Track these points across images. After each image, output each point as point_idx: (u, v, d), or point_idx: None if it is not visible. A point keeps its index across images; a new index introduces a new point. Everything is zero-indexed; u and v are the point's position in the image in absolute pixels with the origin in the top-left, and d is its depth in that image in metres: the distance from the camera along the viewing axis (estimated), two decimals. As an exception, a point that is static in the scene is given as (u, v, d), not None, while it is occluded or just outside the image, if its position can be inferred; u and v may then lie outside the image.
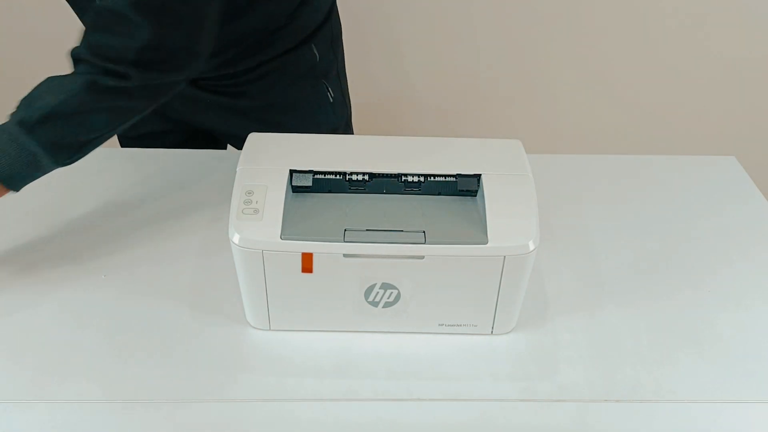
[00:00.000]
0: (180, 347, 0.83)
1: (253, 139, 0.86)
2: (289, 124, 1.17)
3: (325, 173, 0.80)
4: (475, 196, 0.80)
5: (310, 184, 0.80)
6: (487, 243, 0.75)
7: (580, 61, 1.99)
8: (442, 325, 0.84)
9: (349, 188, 0.80)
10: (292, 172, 0.80)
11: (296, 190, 0.80)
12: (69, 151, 0.86)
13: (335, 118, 1.24)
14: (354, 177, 0.80)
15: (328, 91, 1.21)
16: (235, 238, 0.75)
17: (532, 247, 0.75)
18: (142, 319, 0.87)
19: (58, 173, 1.09)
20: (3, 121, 0.84)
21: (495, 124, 2.08)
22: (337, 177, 0.80)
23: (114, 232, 0.99)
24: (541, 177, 0.85)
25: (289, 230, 0.75)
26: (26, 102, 0.84)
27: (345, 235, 0.75)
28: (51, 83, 0.84)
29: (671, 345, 0.85)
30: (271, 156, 0.82)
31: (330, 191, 0.80)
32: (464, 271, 0.77)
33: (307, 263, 0.76)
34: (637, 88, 2.05)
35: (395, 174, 0.80)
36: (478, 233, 0.75)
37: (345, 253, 0.75)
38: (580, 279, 0.94)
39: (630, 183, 1.11)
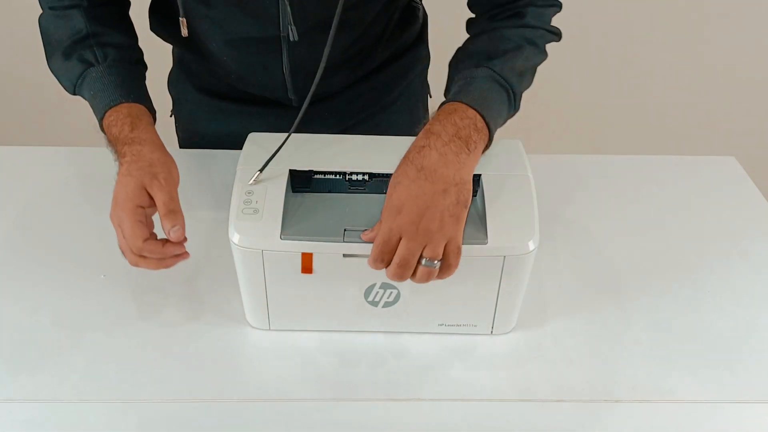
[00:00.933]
0: (180, 347, 0.83)
1: (253, 139, 0.86)
2: (395, 126, 1.16)
3: (324, 173, 0.80)
4: (475, 196, 0.80)
5: (310, 184, 0.80)
6: (487, 243, 0.75)
7: (580, 62, 1.99)
8: (442, 325, 0.84)
9: (349, 188, 0.80)
10: (291, 172, 0.80)
11: (296, 190, 0.80)
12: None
13: (429, 117, 1.25)
14: (354, 177, 0.80)
15: (428, 88, 1.23)
16: (235, 238, 0.75)
17: (532, 247, 0.75)
18: (142, 319, 0.87)
19: (57, 173, 1.10)
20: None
21: (495, 124, 2.08)
22: (337, 177, 0.80)
23: (114, 232, 0.99)
24: (541, 177, 0.85)
25: (288, 230, 0.75)
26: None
27: (345, 235, 0.75)
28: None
29: (671, 345, 0.85)
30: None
31: (330, 191, 0.80)
32: (464, 271, 0.77)
33: (307, 263, 0.76)
34: (637, 88, 2.05)
35: (395, 174, 0.80)
36: (478, 233, 0.75)
37: (345, 253, 0.75)
38: (580, 279, 0.94)
39: (630, 183, 1.11)
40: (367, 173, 0.80)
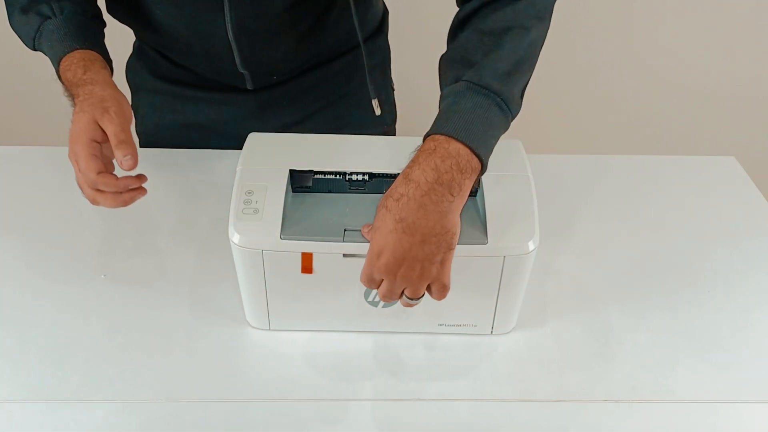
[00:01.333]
0: (180, 347, 0.83)
1: (253, 139, 0.86)
2: (358, 119, 1.16)
3: (325, 173, 0.80)
4: (475, 196, 0.80)
5: (310, 184, 0.80)
6: (486, 243, 0.75)
7: (580, 62, 1.99)
8: (442, 325, 0.84)
9: (349, 188, 0.80)
10: (292, 172, 0.80)
11: (296, 190, 0.80)
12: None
13: (394, 111, 1.24)
14: (354, 177, 0.80)
15: (392, 82, 1.22)
16: (235, 238, 0.75)
17: (531, 247, 0.75)
18: (142, 319, 0.87)
19: (57, 173, 1.10)
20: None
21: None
22: (337, 177, 0.80)
23: (114, 232, 1.00)
24: (541, 177, 0.85)
25: (289, 230, 0.75)
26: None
27: (345, 235, 0.75)
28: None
29: (671, 345, 0.85)
30: (271, 156, 0.82)
31: (330, 191, 0.80)
32: (464, 271, 0.77)
33: (307, 263, 0.76)
34: (637, 88, 2.05)
35: (395, 174, 0.80)
36: (478, 233, 0.75)
37: (345, 253, 0.75)
38: (580, 279, 0.93)
39: (630, 183, 1.11)
40: (367, 173, 0.80)
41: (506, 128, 0.75)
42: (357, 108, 1.15)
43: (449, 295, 0.78)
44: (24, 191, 1.07)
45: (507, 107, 0.73)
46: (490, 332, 0.85)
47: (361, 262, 0.76)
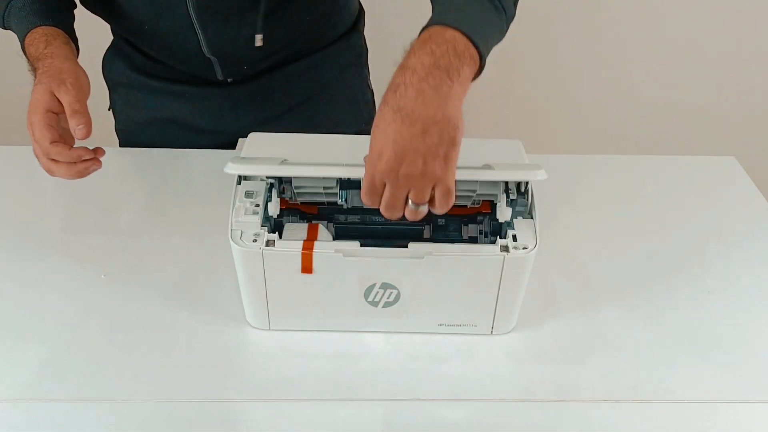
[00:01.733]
0: (180, 347, 0.83)
1: (253, 138, 0.86)
2: (333, 117, 1.16)
3: None
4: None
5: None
6: (492, 168, 0.74)
7: (580, 62, 1.99)
8: (442, 325, 0.84)
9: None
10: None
11: (296, 190, 0.80)
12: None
13: (372, 109, 1.24)
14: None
15: (369, 81, 1.21)
16: (229, 167, 0.75)
17: (541, 176, 0.75)
18: (142, 319, 0.87)
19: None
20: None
21: (495, 124, 2.08)
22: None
23: (114, 232, 1.00)
24: (541, 177, 0.84)
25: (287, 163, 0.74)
26: None
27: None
28: None
29: (671, 345, 0.85)
30: (271, 155, 0.82)
31: (330, 191, 0.80)
32: (464, 270, 0.77)
33: (307, 262, 0.76)
34: (636, 88, 2.05)
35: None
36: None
37: (349, 177, 0.74)
38: (580, 279, 0.93)
39: (630, 183, 1.11)
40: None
41: (501, 31, 0.73)
42: (331, 106, 1.15)
43: (449, 294, 0.78)
44: (24, 191, 1.07)
45: (501, 5, 0.72)
46: (490, 332, 0.85)
47: (362, 261, 0.76)
